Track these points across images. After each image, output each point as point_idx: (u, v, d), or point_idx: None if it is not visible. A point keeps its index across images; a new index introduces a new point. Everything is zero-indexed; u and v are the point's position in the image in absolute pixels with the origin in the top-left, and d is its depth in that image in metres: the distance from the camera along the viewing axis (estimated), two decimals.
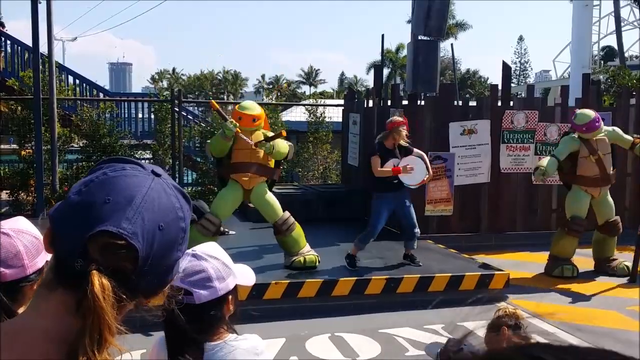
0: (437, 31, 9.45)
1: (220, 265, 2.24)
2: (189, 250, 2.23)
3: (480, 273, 7.27)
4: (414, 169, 7.22)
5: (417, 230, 7.49)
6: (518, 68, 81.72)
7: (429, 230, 9.66)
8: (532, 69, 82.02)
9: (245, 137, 6.96)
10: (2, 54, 14.96)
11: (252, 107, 7.20)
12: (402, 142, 7.35)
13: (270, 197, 7.32)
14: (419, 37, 9.65)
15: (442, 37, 10.11)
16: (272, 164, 7.31)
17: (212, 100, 7.61)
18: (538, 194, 10.33)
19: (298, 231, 7.33)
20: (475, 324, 6.29)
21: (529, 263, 8.97)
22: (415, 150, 7.45)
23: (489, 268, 7.55)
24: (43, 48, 10.94)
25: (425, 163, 7.43)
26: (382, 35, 10.82)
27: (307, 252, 7.31)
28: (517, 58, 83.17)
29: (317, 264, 7.29)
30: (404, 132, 7.31)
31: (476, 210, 10.05)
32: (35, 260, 1.97)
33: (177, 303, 2.11)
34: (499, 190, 10.09)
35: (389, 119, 7.54)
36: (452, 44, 11.25)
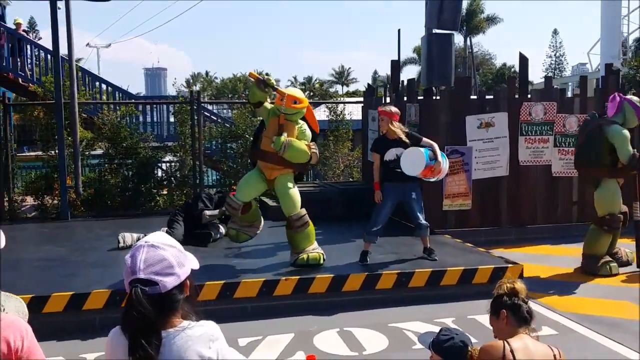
0: (451, 24, 9.33)
1: (177, 252, 2.27)
2: (143, 242, 2.25)
3: (493, 266, 7.18)
4: (407, 160, 7.06)
5: (422, 221, 7.38)
6: (554, 62, 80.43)
7: (447, 225, 9.59)
8: (567, 62, 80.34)
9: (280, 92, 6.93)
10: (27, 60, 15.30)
11: (296, 91, 7.12)
12: (398, 131, 7.25)
13: (293, 190, 7.27)
14: (433, 31, 9.55)
15: (457, 30, 9.98)
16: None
17: (251, 72, 7.29)
18: (559, 187, 10.15)
19: (309, 230, 7.23)
20: (487, 317, 6.27)
21: (549, 256, 8.85)
22: (424, 139, 7.32)
23: (503, 261, 7.46)
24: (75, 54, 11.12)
25: (434, 151, 7.17)
26: (399, 30, 10.78)
27: (312, 250, 7.20)
28: (553, 52, 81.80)
29: (322, 262, 7.20)
30: (384, 121, 7.26)
31: (495, 204, 9.92)
32: None
33: (143, 294, 2.14)
34: (518, 183, 9.95)
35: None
36: (468, 37, 11.10)
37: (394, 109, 7.40)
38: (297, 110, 7.03)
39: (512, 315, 3.13)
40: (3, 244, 2.41)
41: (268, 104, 7.23)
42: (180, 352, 2.18)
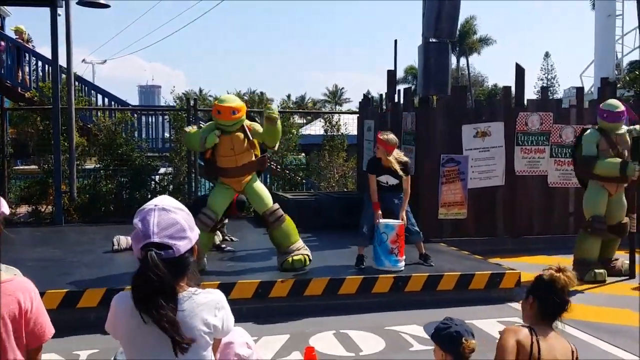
0: (448, 33, 9.38)
1: (187, 216, 2.26)
2: (152, 205, 2.22)
3: (490, 272, 7.16)
4: None
5: (411, 227, 7.43)
6: (546, 84, 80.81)
7: (443, 234, 9.57)
8: (559, 85, 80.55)
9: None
10: (26, 69, 15.29)
11: (231, 99, 6.82)
12: (392, 162, 7.18)
13: (260, 187, 7.18)
14: (430, 40, 9.60)
15: (453, 39, 10.04)
16: (257, 152, 7.06)
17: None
18: (555, 198, 10.17)
19: (288, 224, 7.10)
20: (485, 322, 6.23)
21: (545, 266, 8.78)
22: (407, 181, 7.33)
23: (500, 267, 7.44)
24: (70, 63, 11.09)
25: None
26: (395, 41, 10.84)
27: (297, 252, 7.06)
28: (544, 74, 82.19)
29: (308, 263, 7.09)
30: (379, 150, 7.21)
31: (491, 213, 9.92)
32: None
33: (158, 258, 2.11)
34: (514, 193, 9.96)
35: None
36: (466, 57, 11.16)
37: (391, 139, 7.19)
38: (240, 119, 6.79)
39: (538, 307, 3.06)
40: (8, 211, 2.41)
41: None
42: (186, 318, 2.17)
